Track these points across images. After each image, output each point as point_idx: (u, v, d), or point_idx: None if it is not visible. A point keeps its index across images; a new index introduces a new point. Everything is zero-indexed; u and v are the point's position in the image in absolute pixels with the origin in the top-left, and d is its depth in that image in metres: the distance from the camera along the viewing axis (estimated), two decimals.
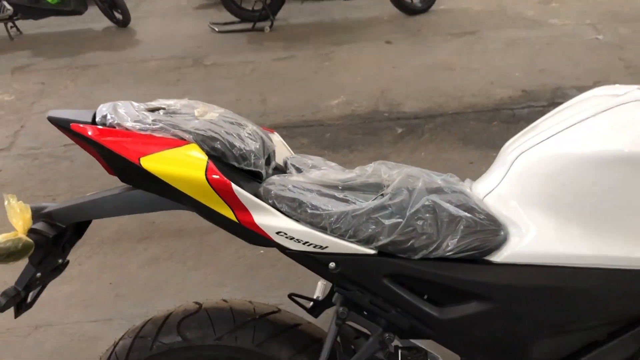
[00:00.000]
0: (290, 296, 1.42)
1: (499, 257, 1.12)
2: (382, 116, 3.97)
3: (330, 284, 1.25)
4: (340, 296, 1.22)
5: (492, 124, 3.74)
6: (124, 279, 2.68)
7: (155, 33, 6.19)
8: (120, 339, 1.38)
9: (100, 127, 1.15)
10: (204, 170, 1.05)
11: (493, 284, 1.12)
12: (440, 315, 1.14)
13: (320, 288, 1.45)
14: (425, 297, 1.16)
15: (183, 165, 1.07)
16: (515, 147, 1.18)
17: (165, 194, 1.14)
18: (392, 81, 4.49)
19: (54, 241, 1.26)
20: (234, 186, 1.06)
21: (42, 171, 3.69)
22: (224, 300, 1.36)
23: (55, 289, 2.62)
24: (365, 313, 1.21)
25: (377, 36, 5.41)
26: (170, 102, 1.30)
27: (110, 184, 1.29)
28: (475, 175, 3.45)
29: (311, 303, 1.41)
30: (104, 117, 1.16)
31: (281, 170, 1.32)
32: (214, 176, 1.05)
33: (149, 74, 5.15)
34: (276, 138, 1.44)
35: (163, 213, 3.18)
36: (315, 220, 1.09)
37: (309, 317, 1.43)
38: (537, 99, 4.02)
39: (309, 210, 1.09)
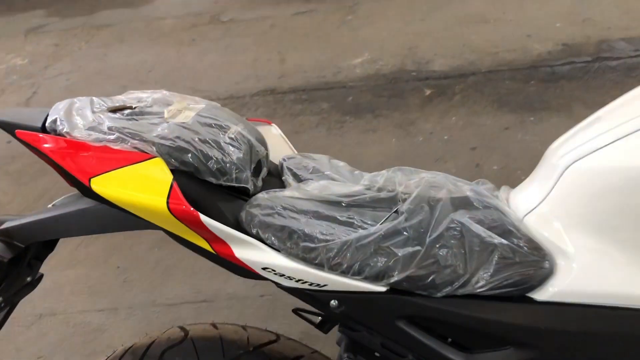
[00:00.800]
0: (295, 311, 1.22)
1: (543, 294, 0.89)
2: (410, 76, 3.67)
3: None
4: (345, 337, 1.01)
5: (529, 83, 3.42)
6: (132, 262, 2.53)
7: None
8: None
9: (49, 135, 0.94)
10: (166, 196, 0.84)
11: (535, 328, 0.89)
12: None
13: None
14: (449, 340, 0.94)
15: (141, 189, 0.86)
16: (565, 152, 0.93)
17: (130, 214, 0.93)
18: (420, 36, 4.15)
19: (14, 262, 1.07)
20: (203, 217, 0.84)
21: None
22: (214, 326, 1.17)
23: (60, 273, 2.49)
24: (376, 354, 1.00)
25: None
26: (144, 95, 1.08)
27: None
28: (510, 144, 3.16)
29: (319, 318, 1.21)
30: (54, 122, 0.95)
31: (275, 175, 1.10)
32: (178, 205, 0.83)
33: (164, 33, 4.91)
34: (274, 131, 1.22)
35: None
36: (309, 256, 0.88)
37: (315, 334, 1.24)
38: (580, 54, 3.66)
39: (302, 243, 0.87)
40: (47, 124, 0.96)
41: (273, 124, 1.25)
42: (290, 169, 1.07)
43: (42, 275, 1.20)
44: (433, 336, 0.93)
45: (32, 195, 3.02)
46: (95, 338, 2.17)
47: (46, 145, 0.91)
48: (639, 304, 0.86)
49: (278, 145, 1.18)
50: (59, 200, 1.15)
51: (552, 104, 3.18)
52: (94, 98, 1.04)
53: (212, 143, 0.92)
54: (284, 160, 1.11)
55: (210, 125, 0.97)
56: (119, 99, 1.06)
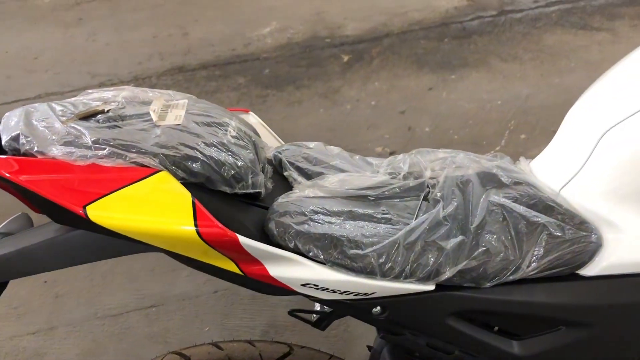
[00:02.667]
0: (291, 313, 1.12)
1: (592, 269, 0.85)
2: (324, 43, 3.57)
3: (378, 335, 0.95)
4: (386, 343, 0.92)
5: (444, 41, 3.44)
6: (60, 274, 2.26)
7: None
8: None
9: (15, 157, 0.75)
10: (192, 218, 0.69)
11: (587, 304, 0.86)
12: (519, 351, 0.87)
13: None
14: (496, 328, 0.88)
15: (156, 212, 0.70)
16: (596, 117, 0.88)
17: (125, 239, 0.77)
18: (326, 0, 4.05)
19: None
20: (242, 239, 0.71)
21: None
22: (217, 347, 1.04)
23: None
24: (417, 355, 0.93)
25: None
26: (107, 94, 0.91)
27: None
28: (437, 104, 3.16)
29: (315, 316, 1.12)
30: (15, 139, 0.76)
31: (274, 170, 0.97)
32: (211, 229, 0.69)
33: (44, 14, 4.43)
34: (252, 119, 1.09)
35: None
36: (358, 265, 0.77)
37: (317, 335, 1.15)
38: (485, 8, 3.73)
39: (349, 252, 0.77)
40: (4, 143, 0.77)
41: (251, 112, 1.11)
42: (291, 163, 0.95)
43: None
44: (479, 327, 0.87)
45: None
46: None
47: (14, 171, 0.72)
48: None
49: (261, 134, 1.05)
50: (4, 224, 0.95)
51: (469, 60, 3.22)
52: (52, 104, 0.85)
53: (219, 146, 0.78)
54: (279, 152, 0.98)
55: (208, 125, 0.82)
56: (81, 102, 0.88)
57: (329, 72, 3.29)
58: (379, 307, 0.83)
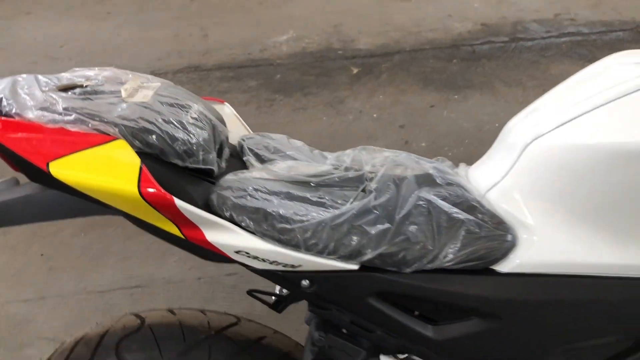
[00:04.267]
0: (249, 292, 1.21)
1: (506, 266, 0.93)
2: (336, 54, 3.69)
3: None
4: (315, 317, 1.01)
5: (452, 62, 3.53)
6: (56, 249, 2.40)
7: None
8: None
9: None
10: (136, 180, 0.79)
11: (498, 298, 0.93)
12: (434, 335, 0.95)
13: None
14: (416, 313, 0.97)
15: (107, 173, 0.81)
16: (525, 130, 0.96)
17: (88, 199, 0.87)
18: (344, 13, 4.17)
19: None
20: (178, 202, 0.81)
21: None
22: (171, 312, 1.14)
23: None
24: (344, 331, 1.01)
25: None
26: (91, 72, 1.02)
27: None
28: (437, 121, 3.25)
29: (273, 298, 1.21)
30: None
31: (235, 155, 1.07)
32: (150, 189, 0.80)
33: (75, 6, 4.63)
34: (227, 110, 1.18)
35: None
36: (285, 237, 0.87)
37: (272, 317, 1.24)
38: (498, 34, 3.81)
39: (278, 225, 0.86)
40: None
41: (226, 103, 1.21)
42: (251, 149, 1.05)
43: None
44: (401, 310, 0.95)
45: None
46: (23, 329, 2.05)
47: None
48: (597, 272, 0.91)
49: (233, 124, 1.15)
50: None
51: (474, 82, 3.30)
52: (38, 76, 0.96)
53: (176, 124, 0.88)
54: (243, 140, 1.08)
55: (171, 105, 0.92)
56: (65, 77, 0.99)
57: (337, 82, 3.39)
58: (307, 281, 0.92)
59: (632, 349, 0.97)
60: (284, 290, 1.20)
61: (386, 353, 1.02)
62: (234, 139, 1.12)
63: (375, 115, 3.10)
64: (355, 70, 3.51)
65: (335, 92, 3.30)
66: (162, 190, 0.79)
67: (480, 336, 0.94)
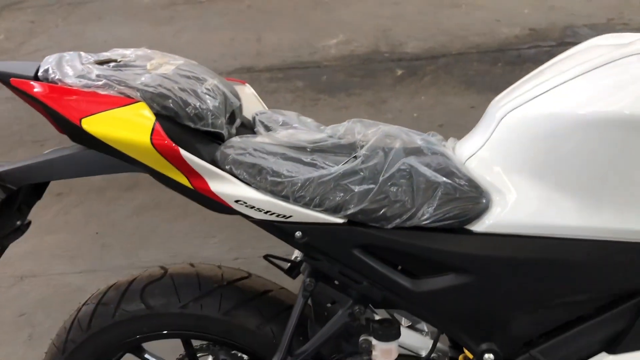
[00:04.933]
0: (266, 257, 1.34)
1: (479, 226, 1.02)
2: (383, 57, 3.80)
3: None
4: (308, 266, 1.13)
5: (497, 65, 3.57)
6: (110, 228, 2.63)
7: None
8: (83, 305, 1.32)
9: (42, 82, 1.04)
10: (149, 133, 0.95)
11: (472, 255, 1.03)
12: (414, 288, 1.05)
13: None
14: (399, 268, 1.07)
15: (127, 128, 0.96)
16: (503, 103, 1.06)
17: (116, 156, 1.03)
18: (394, 19, 4.29)
19: (6, 203, 1.17)
20: (183, 152, 0.95)
21: (29, 115, 3.58)
22: (191, 265, 1.28)
23: (40, 239, 2.58)
24: (335, 283, 1.13)
25: None
26: (127, 51, 1.19)
27: None
28: (476, 121, 3.31)
29: (288, 264, 1.33)
30: (46, 71, 1.04)
31: (248, 127, 1.21)
32: (160, 140, 0.95)
33: (141, 11, 4.96)
34: (247, 90, 1.32)
35: None
36: (276, 189, 0.99)
37: (284, 280, 1.36)
38: (545, 38, 3.82)
39: (269, 178, 0.99)
40: (39, 74, 1.06)
41: (247, 84, 1.35)
42: (262, 122, 1.18)
43: (29, 222, 1.29)
44: (385, 264, 1.06)
45: None
46: (76, 297, 2.25)
47: (39, 91, 1.01)
48: (564, 234, 0.99)
49: (251, 103, 1.29)
50: (47, 152, 1.25)
51: None
52: (81, 53, 1.14)
53: (190, 91, 1.03)
54: (256, 114, 1.22)
55: (188, 77, 1.07)
56: (105, 55, 1.16)
57: (381, 83, 3.51)
58: (300, 232, 1.04)
59: (601, 307, 1.04)
60: (297, 258, 1.33)
61: (372, 304, 1.13)
62: (251, 115, 1.26)
63: (415, 114, 3.19)
64: (399, 72, 3.61)
65: (379, 93, 3.41)
66: (170, 141, 0.94)
67: (455, 290, 1.04)
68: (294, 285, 1.44)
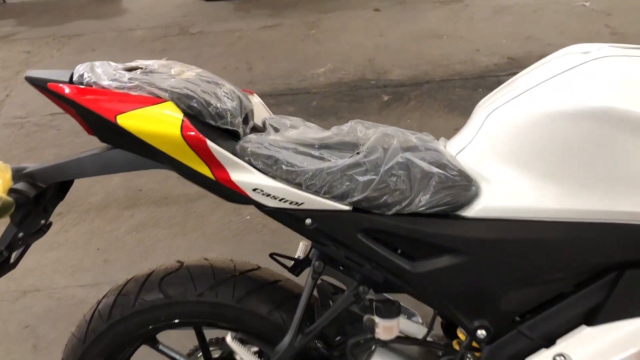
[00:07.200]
0: (271, 255, 1.45)
1: (470, 211, 1.15)
2: (369, 84, 3.98)
3: (310, 245, 1.28)
4: (317, 252, 1.25)
5: (478, 90, 3.76)
6: (111, 244, 2.71)
7: (140, 1, 6.11)
8: (103, 297, 1.41)
9: (77, 86, 1.16)
10: (179, 127, 1.07)
11: (464, 238, 1.15)
12: (413, 269, 1.17)
13: (301, 248, 1.48)
14: (399, 251, 1.19)
15: (159, 123, 1.08)
16: (487, 105, 1.20)
17: (143, 152, 1.15)
18: (379, 49, 4.48)
19: (35, 201, 1.27)
20: (209, 142, 1.07)
21: (28, 139, 3.69)
22: (205, 259, 1.39)
23: (42, 255, 2.65)
24: (341, 268, 1.24)
25: (365, 4, 5.38)
26: (149, 62, 1.31)
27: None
28: None
29: (292, 262, 1.44)
30: (81, 76, 1.17)
31: (259, 130, 1.33)
32: (189, 133, 1.07)
33: (134, 43, 5.11)
34: (255, 99, 1.45)
35: (149, 180, 3.18)
36: (290, 177, 1.12)
37: (289, 276, 1.47)
38: (523, 66, 3.97)
39: (285, 167, 1.11)
40: (74, 79, 1.18)
41: (254, 94, 1.48)
42: (271, 125, 1.31)
43: (51, 223, 1.40)
44: (386, 247, 1.18)
45: None
46: (80, 309, 2.32)
47: (75, 93, 1.13)
48: (543, 217, 1.12)
49: (259, 110, 1.41)
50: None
51: None
52: (110, 62, 1.26)
53: (211, 94, 1.16)
54: (266, 119, 1.35)
55: (208, 82, 1.20)
56: (130, 64, 1.29)
57: (368, 108, 3.67)
58: (310, 219, 1.15)
59: (579, 284, 1.17)
60: (301, 255, 1.44)
61: (374, 287, 1.24)
62: (259, 120, 1.39)
63: None
64: (385, 98, 3.78)
65: (366, 116, 3.52)
66: (198, 132, 1.06)
67: (449, 270, 1.16)
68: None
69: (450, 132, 3.48)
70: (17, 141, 3.67)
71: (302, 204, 1.13)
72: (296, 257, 1.45)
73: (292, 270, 1.44)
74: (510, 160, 1.14)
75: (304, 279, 1.41)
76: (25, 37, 5.43)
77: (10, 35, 5.48)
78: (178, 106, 1.12)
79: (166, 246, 2.65)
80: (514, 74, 3.99)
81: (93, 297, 2.45)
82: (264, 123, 1.34)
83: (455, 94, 3.74)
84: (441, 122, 3.43)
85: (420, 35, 4.63)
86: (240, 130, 1.20)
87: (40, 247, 2.75)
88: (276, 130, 1.29)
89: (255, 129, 1.32)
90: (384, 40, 4.64)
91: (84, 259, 2.63)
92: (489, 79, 3.89)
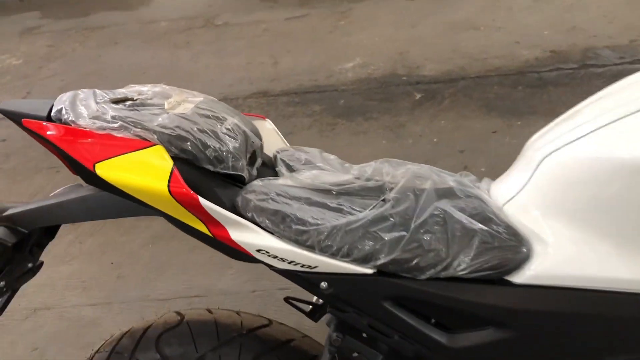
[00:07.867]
0: (286, 300, 1.27)
1: (520, 277, 0.95)
2: (400, 80, 3.75)
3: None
4: (334, 318, 1.06)
5: (517, 88, 3.50)
6: (125, 258, 2.57)
7: None
8: (96, 352, 1.25)
9: (55, 123, 0.99)
10: (167, 180, 0.89)
11: (512, 309, 0.95)
12: (449, 343, 0.98)
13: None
14: (433, 321, 1.00)
15: (143, 173, 0.91)
16: (543, 144, 0.99)
17: (131, 199, 0.98)
18: (411, 42, 4.23)
19: (17, 247, 1.12)
20: (202, 200, 0.89)
21: None
22: (209, 311, 1.22)
23: (54, 269, 2.53)
24: (363, 336, 1.06)
25: None
26: (144, 88, 1.13)
27: None
28: (497, 147, 3.22)
29: (310, 307, 1.26)
30: (59, 111, 1.00)
31: (270, 166, 1.15)
32: (178, 188, 0.89)
33: (158, 36, 4.96)
34: (268, 125, 1.27)
35: None
36: (301, 238, 0.93)
37: (307, 322, 1.29)
38: (566, 61, 3.74)
39: (294, 226, 0.93)
40: (52, 114, 1.01)
41: (267, 119, 1.30)
42: (283, 161, 1.12)
43: (42, 263, 1.24)
44: (417, 317, 0.99)
45: (27, 192, 3.05)
46: (90, 331, 2.21)
47: (52, 133, 0.96)
48: (610, 287, 0.92)
49: (272, 139, 1.23)
50: (59, 190, 1.19)
51: (538, 108, 3.26)
52: (96, 90, 1.09)
53: (209, 133, 0.97)
54: (277, 152, 1.16)
55: (207, 117, 1.02)
56: (121, 92, 1.11)
57: (399, 107, 3.44)
58: (325, 283, 0.97)
59: None
60: (320, 300, 1.25)
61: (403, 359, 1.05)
62: (271, 151, 1.20)
63: (435, 139, 3.12)
64: (418, 96, 3.55)
65: (397, 117, 3.35)
66: (188, 189, 0.88)
67: (494, 346, 0.96)
68: (316, 327, 1.37)
69: (488, 135, 3.22)
70: (35, 143, 3.54)
71: (315, 267, 0.95)
72: (315, 300, 1.27)
73: (310, 315, 1.25)
74: (570, 217, 0.93)
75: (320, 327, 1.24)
76: (48, 30, 5.33)
77: (34, 29, 5.39)
78: (168, 150, 0.94)
79: (182, 262, 2.50)
80: (557, 69, 3.63)
81: (104, 317, 2.32)
82: (275, 157, 1.15)
83: (493, 92, 3.49)
84: (477, 124, 3.19)
85: (456, 27, 4.35)
86: (245, 174, 1.02)
87: (54, 261, 2.64)
88: (288, 167, 1.10)
89: (265, 165, 1.13)
90: (417, 31, 4.39)
91: (96, 274, 2.50)
92: (529, 75, 3.61)
